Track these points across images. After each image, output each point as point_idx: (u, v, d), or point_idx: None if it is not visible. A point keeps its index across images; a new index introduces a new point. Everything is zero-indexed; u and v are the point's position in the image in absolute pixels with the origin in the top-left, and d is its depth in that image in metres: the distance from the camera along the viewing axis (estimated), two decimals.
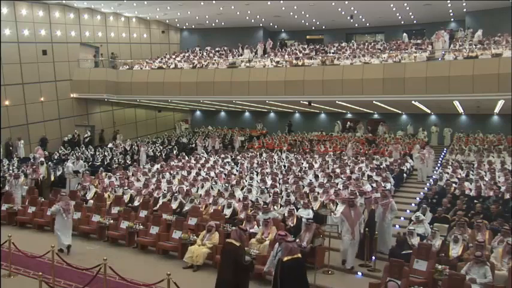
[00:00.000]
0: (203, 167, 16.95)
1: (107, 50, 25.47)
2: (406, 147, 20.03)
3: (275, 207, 11.31)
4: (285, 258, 5.80)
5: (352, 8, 23.47)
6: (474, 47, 18.42)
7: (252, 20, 26.81)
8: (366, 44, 23.22)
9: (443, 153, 19.94)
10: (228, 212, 11.22)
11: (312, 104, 20.63)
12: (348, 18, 24.84)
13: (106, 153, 20.23)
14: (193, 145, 23.49)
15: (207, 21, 27.57)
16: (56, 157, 19.43)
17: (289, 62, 20.51)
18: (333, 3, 22.38)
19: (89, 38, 24.52)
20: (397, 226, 11.41)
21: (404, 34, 23.74)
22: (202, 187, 13.79)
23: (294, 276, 5.70)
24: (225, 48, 25.56)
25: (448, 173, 15.07)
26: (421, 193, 14.27)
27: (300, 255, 6.01)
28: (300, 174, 15.29)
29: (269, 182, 14.05)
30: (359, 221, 9.03)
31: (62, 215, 9.70)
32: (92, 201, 13.05)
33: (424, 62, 17.79)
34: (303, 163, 17.33)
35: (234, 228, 7.02)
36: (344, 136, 24.30)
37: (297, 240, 9.14)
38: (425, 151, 17.35)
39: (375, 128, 25.69)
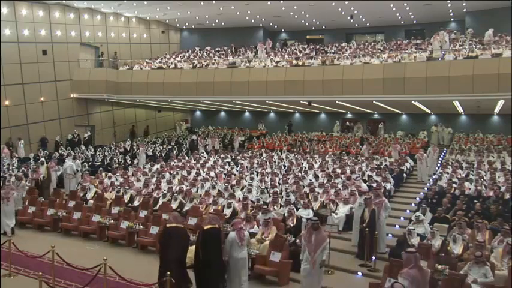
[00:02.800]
0: (203, 167, 16.96)
1: (107, 50, 25.47)
2: (406, 147, 20.04)
3: (275, 207, 11.32)
4: (206, 227, 7.04)
5: (352, 8, 23.46)
6: (474, 47, 18.40)
7: (252, 20, 26.81)
8: (366, 44, 23.21)
9: (443, 153, 19.94)
10: (228, 212, 11.21)
11: (312, 104, 20.62)
12: (348, 18, 24.84)
13: (106, 153, 20.24)
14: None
15: (207, 21, 27.57)
16: (55, 157, 19.40)
17: (289, 62, 20.50)
18: (333, 3, 22.38)
19: (89, 38, 24.53)
20: (397, 226, 11.42)
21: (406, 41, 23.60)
22: (202, 187, 13.79)
23: (213, 241, 7.03)
24: (225, 48, 25.56)
25: (448, 173, 15.07)
26: (421, 193, 14.26)
27: (217, 225, 7.13)
28: (300, 174, 15.29)
29: (269, 182, 14.05)
30: (321, 247, 7.29)
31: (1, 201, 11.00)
32: (92, 201, 13.04)
33: (424, 62, 17.77)
34: (303, 163, 17.34)
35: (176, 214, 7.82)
36: (344, 136, 24.29)
37: (297, 240, 9.16)
38: (430, 149, 17.47)
39: (374, 128, 25.70)
